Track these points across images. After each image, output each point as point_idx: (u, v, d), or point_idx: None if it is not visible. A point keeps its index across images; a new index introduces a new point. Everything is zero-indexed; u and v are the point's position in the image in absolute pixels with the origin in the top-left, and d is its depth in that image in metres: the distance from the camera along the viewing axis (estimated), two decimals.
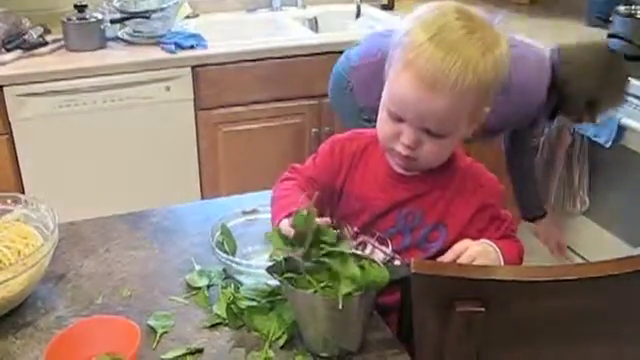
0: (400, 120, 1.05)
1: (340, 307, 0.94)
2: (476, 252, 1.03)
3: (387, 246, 1.13)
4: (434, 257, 1.09)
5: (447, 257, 1.04)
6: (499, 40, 1.01)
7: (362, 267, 0.97)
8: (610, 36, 2.40)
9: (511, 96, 1.79)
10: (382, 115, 1.08)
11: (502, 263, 1.06)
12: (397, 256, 1.14)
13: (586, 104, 1.93)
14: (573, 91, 1.91)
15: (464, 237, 1.09)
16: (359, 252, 1.03)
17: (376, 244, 1.16)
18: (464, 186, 1.13)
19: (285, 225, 1.04)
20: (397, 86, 1.03)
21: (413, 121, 1.03)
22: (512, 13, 2.97)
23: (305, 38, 2.63)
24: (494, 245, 1.08)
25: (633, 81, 2.08)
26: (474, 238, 1.08)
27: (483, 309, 0.85)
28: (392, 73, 1.04)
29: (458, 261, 1.03)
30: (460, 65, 0.96)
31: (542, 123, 2.13)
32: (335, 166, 1.20)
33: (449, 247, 1.07)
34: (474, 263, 1.02)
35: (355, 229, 1.18)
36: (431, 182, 1.13)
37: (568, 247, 2.44)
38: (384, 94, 1.08)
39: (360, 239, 1.18)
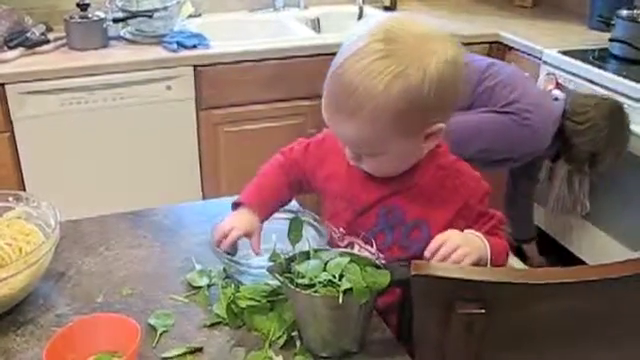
0: None
1: (340, 302, 0.94)
2: (456, 243, 1.03)
3: (371, 245, 1.13)
4: (418, 256, 1.06)
5: (430, 248, 1.03)
6: (423, 62, 0.96)
7: (364, 270, 0.97)
8: (612, 40, 2.41)
9: (523, 132, 1.88)
10: None
11: (489, 252, 1.06)
12: (381, 255, 1.13)
13: (589, 156, 2.00)
14: (578, 143, 1.98)
15: None
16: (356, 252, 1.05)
17: (361, 244, 1.16)
18: (445, 186, 1.12)
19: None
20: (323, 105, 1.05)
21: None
22: (515, 16, 2.98)
23: (307, 39, 2.64)
24: (480, 235, 1.08)
25: (635, 85, 2.09)
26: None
27: (483, 311, 0.85)
28: None
29: (441, 252, 1.02)
30: (360, 93, 0.96)
31: (541, 162, 2.23)
32: (317, 158, 1.22)
33: None
34: (458, 251, 1.01)
35: (341, 230, 1.19)
36: (409, 179, 1.12)
37: (569, 250, 2.45)
38: None
39: (347, 240, 1.18)
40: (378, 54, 0.96)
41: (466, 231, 1.08)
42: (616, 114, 2.02)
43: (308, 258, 1.02)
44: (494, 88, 1.98)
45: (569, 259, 2.45)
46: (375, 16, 1.02)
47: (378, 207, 1.15)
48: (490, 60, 2.12)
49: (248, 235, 1.15)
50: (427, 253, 1.03)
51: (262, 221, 1.19)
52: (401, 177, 1.12)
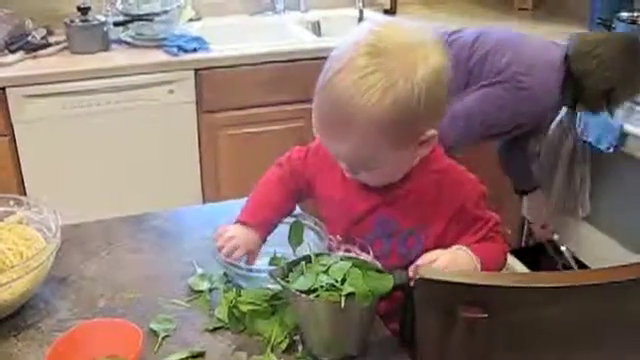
0: None
1: (342, 306, 0.94)
2: (443, 264, 1.03)
3: (368, 253, 1.12)
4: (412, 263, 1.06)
5: (413, 268, 1.02)
6: (410, 74, 0.95)
7: (366, 274, 0.97)
8: None
9: (521, 95, 1.83)
10: None
11: (478, 268, 1.06)
12: (378, 263, 1.12)
13: (604, 95, 1.91)
14: (590, 83, 1.89)
15: (442, 243, 1.10)
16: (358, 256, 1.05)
17: (358, 252, 1.15)
18: (440, 192, 1.12)
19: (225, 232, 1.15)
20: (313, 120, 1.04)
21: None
22: (515, 18, 2.98)
23: (308, 42, 2.64)
24: (469, 251, 1.08)
25: None
26: (452, 243, 1.09)
27: (486, 315, 0.85)
28: None
29: None
30: (350, 110, 0.95)
31: (547, 126, 2.14)
32: (315, 167, 1.22)
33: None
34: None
35: (338, 237, 1.18)
36: (404, 187, 1.12)
37: (569, 251, 2.44)
38: None
39: (343, 248, 1.18)
40: (364, 70, 0.95)
41: (455, 247, 1.08)
42: (631, 47, 1.91)
43: (309, 262, 1.02)
44: (486, 57, 1.92)
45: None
46: (361, 26, 1.02)
47: (374, 215, 1.15)
48: (479, 30, 2.05)
49: (249, 254, 1.17)
50: (411, 273, 1.00)
51: (264, 240, 1.19)
52: (396, 185, 1.12)
